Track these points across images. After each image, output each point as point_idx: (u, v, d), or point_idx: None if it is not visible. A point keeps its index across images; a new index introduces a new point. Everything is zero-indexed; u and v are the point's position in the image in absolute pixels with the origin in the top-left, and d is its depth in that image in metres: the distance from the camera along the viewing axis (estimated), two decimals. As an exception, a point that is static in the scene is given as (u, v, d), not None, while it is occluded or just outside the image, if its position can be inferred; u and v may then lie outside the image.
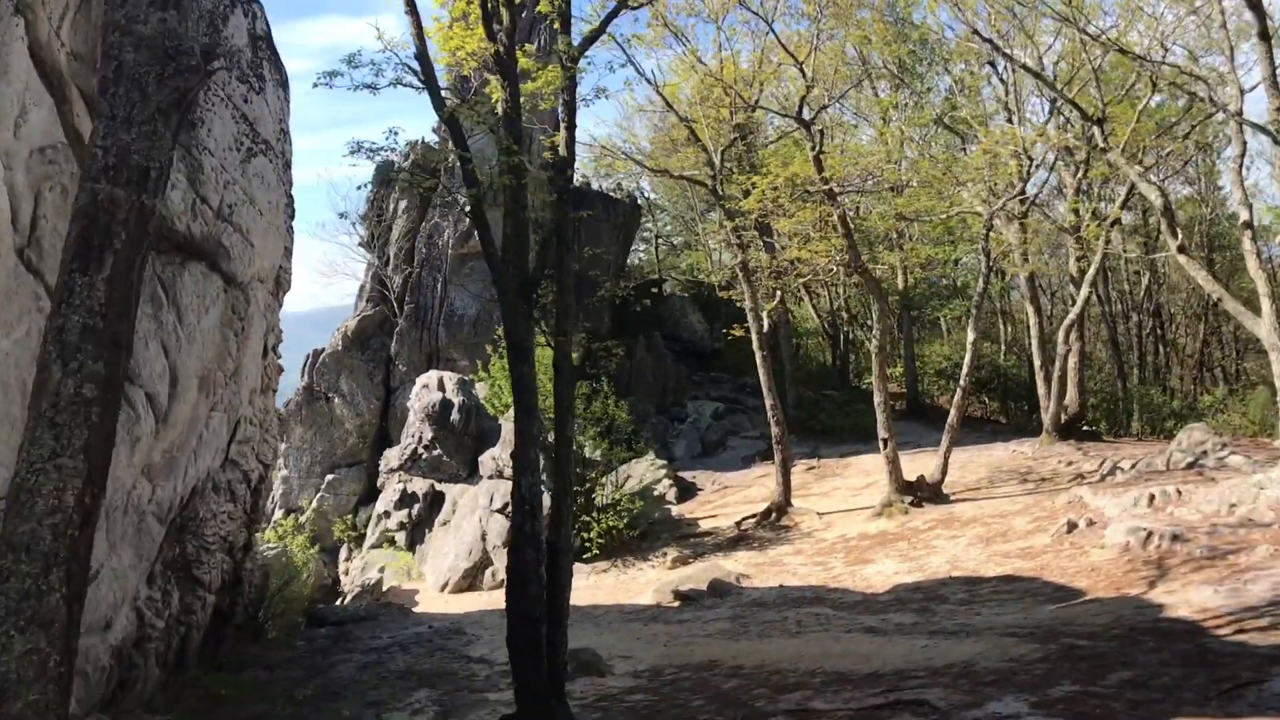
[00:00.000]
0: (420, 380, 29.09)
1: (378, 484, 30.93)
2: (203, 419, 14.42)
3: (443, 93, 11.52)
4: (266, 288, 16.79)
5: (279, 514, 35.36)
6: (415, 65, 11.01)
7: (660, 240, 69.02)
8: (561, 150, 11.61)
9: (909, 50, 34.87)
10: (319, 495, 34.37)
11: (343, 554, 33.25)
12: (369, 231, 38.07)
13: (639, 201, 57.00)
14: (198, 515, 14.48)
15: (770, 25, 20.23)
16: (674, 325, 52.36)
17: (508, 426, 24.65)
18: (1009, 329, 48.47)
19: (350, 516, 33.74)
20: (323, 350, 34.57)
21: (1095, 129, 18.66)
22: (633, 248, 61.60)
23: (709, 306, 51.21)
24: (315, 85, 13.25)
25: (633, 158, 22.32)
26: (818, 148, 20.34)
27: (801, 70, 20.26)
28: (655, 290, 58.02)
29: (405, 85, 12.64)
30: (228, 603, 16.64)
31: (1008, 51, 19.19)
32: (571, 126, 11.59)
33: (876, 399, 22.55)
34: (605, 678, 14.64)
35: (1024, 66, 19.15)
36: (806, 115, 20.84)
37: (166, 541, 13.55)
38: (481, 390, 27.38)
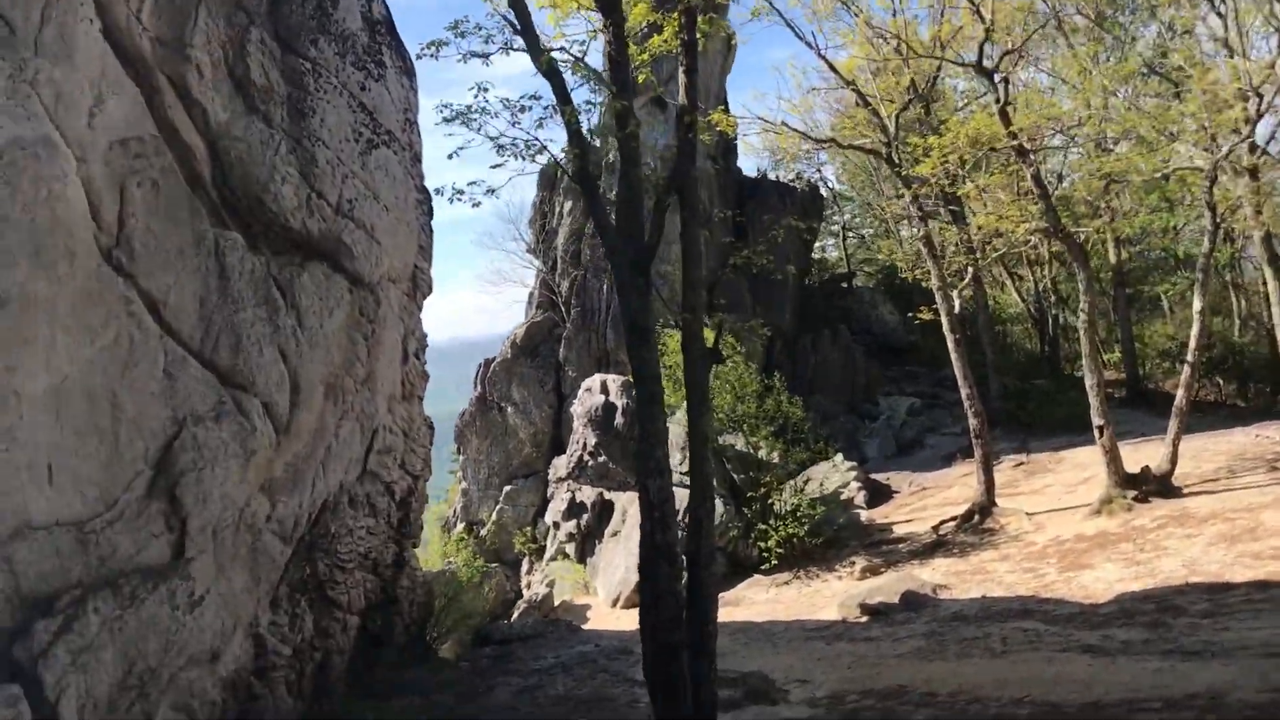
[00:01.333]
0: (584, 384, 28.17)
1: (547, 493, 30.26)
2: (331, 429, 13.70)
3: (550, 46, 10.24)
4: (400, 288, 16.04)
5: (460, 527, 35.31)
6: (510, 16, 9.75)
7: (850, 233, 66.19)
8: (681, 97, 10.15)
9: (1108, -3, 31.75)
10: (498, 507, 34.06)
11: (524, 566, 32.78)
12: (535, 236, 37.66)
13: (822, 192, 54.85)
14: (329, 532, 13.74)
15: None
16: (864, 319, 49.99)
17: (675, 429, 23.38)
18: (1242, 303, 43.69)
19: (529, 528, 33.24)
20: (493, 359, 34.28)
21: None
22: (819, 242, 59.54)
23: (901, 296, 48.37)
24: (419, 56, 12.31)
25: (794, 129, 20.62)
26: (1002, 100, 18.10)
27: (978, 12, 18.07)
28: (845, 285, 55.79)
29: (519, 50, 11.54)
30: (379, 623, 15.90)
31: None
32: (692, 69, 10.12)
33: (1088, 381, 20.00)
34: (777, 706, 13.12)
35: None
36: (988, 65, 18.62)
37: (294, 561, 12.83)
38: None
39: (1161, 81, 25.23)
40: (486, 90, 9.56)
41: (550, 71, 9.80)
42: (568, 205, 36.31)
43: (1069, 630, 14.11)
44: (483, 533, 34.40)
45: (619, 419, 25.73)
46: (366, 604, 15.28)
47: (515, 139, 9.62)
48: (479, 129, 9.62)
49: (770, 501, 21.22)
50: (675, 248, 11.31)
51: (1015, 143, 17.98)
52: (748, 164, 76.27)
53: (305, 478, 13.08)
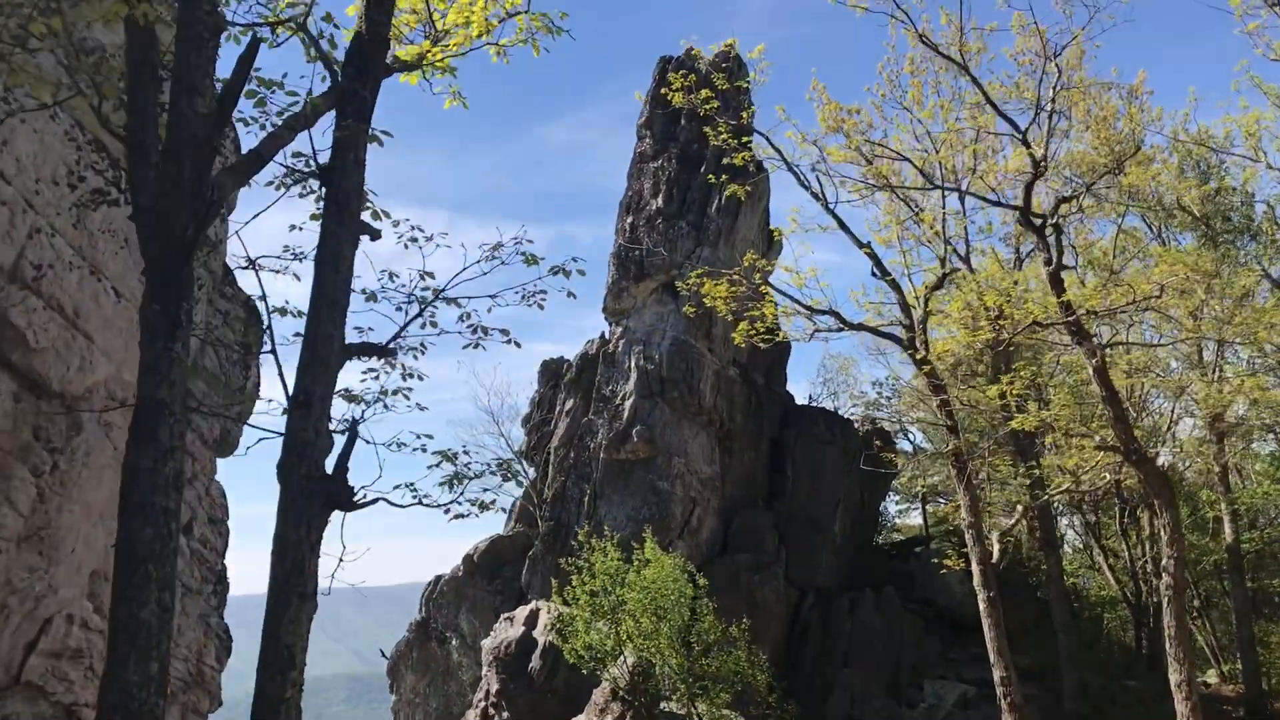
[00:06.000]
0: (508, 613, 23.01)
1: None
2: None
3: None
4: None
5: (384, 787, 29.57)
6: None
7: (937, 497, 60.47)
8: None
9: (1222, 215, 27.69)
10: (432, 766, 28.32)
11: None
12: (529, 439, 33.40)
13: (904, 445, 49.99)
14: None
15: (969, 71, 14.01)
16: (927, 585, 43.92)
17: (604, 687, 17.99)
18: None
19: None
20: (443, 577, 29.33)
21: None
22: (899, 505, 54.44)
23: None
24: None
25: (786, 294, 16.38)
26: (1055, 260, 13.67)
27: (1025, 141, 13.88)
28: (915, 550, 50.51)
29: None
30: None
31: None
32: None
33: (1174, 677, 14.44)
34: None
35: None
36: (1041, 211, 14.32)
37: None
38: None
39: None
40: None
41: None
42: (569, 404, 32.16)
43: None
44: (407, 796, 28.62)
45: (535, 662, 20.45)
46: None
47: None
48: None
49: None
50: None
51: (1070, 318, 13.37)
52: (799, 388, 71.79)
53: None
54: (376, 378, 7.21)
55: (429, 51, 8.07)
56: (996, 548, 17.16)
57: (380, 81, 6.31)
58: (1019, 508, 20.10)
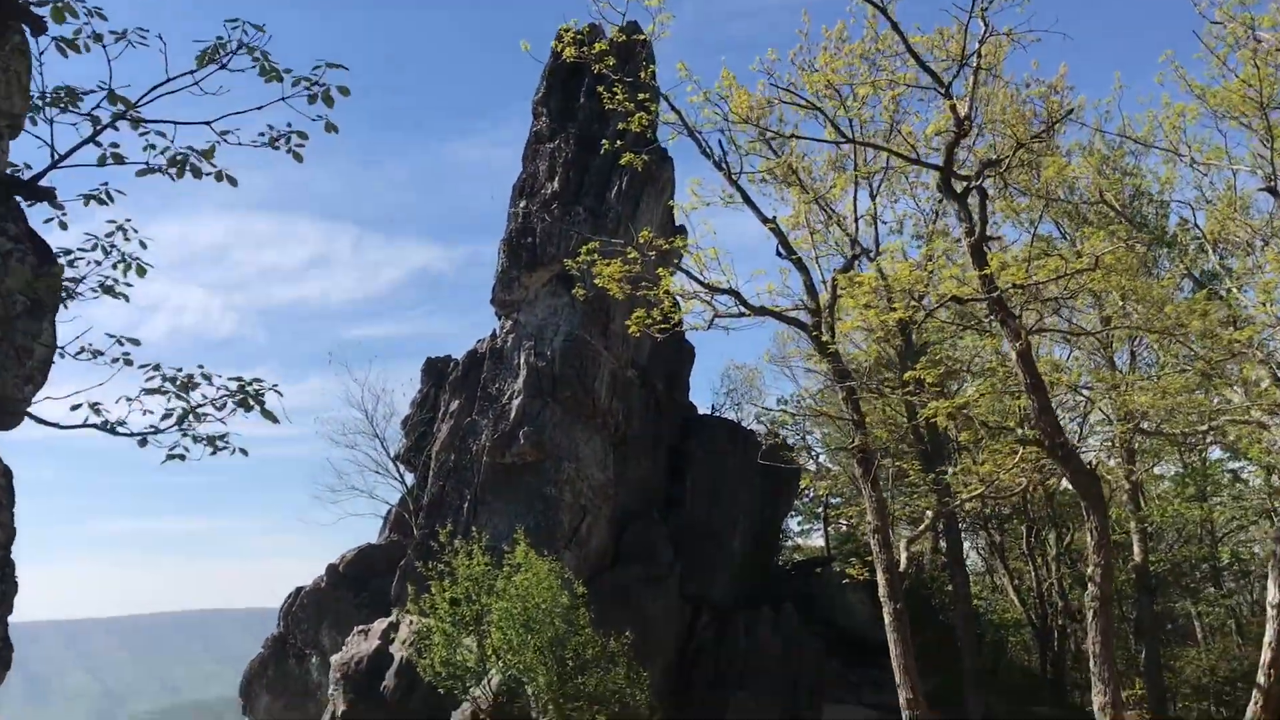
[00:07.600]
0: (362, 626, 21.04)
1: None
2: None
3: None
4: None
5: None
6: None
7: (838, 518, 59.66)
8: None
9: (1139, 222, 27.11)
10: (287, 794, 26.02)
11: None
12: (409, 441, 31.35)
13: (811, 464, 48.87)
14: None
15: (887, 14, 12.70)
16: (828, 606, 42.66)
17: (465, 708, 16.17)
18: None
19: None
20: (303, 589, 27.06)
21: None
22: (802, 525, 53.35)
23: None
24: None
25: (687, 272, 14.96)
26: (979, 230, 12.39)
27: (948, 94, 12.56)
28: (817, 569, 49.37)
29: None
30: None
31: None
32: None
33: (1097, 698, 13.11)
34: None
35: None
36: (959, 181, 13.03)
37: None
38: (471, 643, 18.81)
39: (1210, 297, 19.70)
40: None
41: None
42: (454, 404, 30.16)
43: None
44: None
45: (389, 680, 18.50)
46: None
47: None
48: None
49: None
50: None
51: (993, 294, 12.09)
52: (702, 399, 69.97)
53: None
54: (72, 263, 5.49)
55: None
56: (904, 555, 15.82)
57: None
58: (928, 514, 18.87)
